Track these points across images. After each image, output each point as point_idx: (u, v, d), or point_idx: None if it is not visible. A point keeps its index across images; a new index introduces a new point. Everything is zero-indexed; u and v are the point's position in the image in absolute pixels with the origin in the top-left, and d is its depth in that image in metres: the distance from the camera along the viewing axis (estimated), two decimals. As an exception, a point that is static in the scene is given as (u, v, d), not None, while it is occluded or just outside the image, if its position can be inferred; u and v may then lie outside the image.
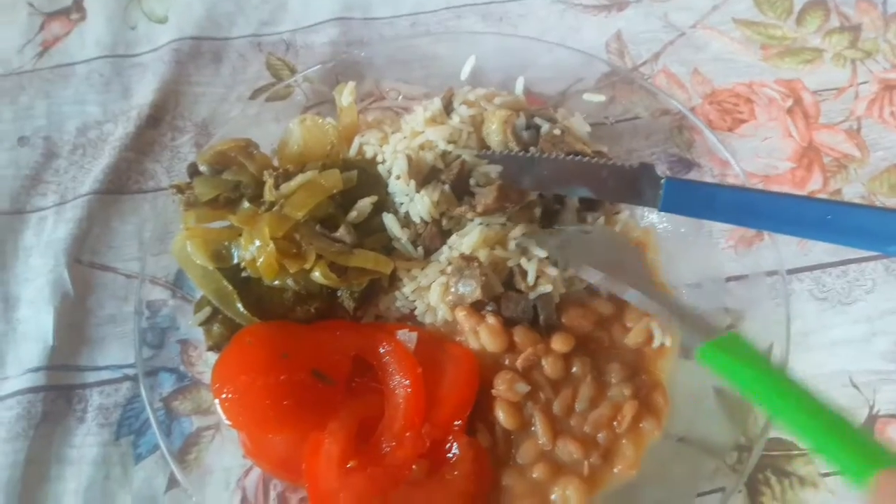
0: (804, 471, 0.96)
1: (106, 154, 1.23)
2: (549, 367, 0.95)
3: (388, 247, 1.04)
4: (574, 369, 0.95)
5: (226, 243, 1.00)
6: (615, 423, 0.92)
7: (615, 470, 0.91)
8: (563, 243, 1.00)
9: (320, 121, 1.08)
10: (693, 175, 1.12)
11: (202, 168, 1.04)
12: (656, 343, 0.98)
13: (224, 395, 0.90)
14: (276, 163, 1.09)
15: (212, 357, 1.00)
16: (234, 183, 1.02)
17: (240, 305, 0.97)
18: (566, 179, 1.00)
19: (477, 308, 0.98)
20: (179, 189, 1.04)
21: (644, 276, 0.98)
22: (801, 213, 0.91)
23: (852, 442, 0.69)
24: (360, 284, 0.99)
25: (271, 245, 0.94)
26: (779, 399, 0.76)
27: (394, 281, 1.03)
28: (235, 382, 0.91)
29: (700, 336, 0.83)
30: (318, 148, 1.07)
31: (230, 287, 0.98)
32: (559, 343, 0.95)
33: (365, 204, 1.02)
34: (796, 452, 0.97)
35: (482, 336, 0.96)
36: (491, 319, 0.96)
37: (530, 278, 0.97)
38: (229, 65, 1.33)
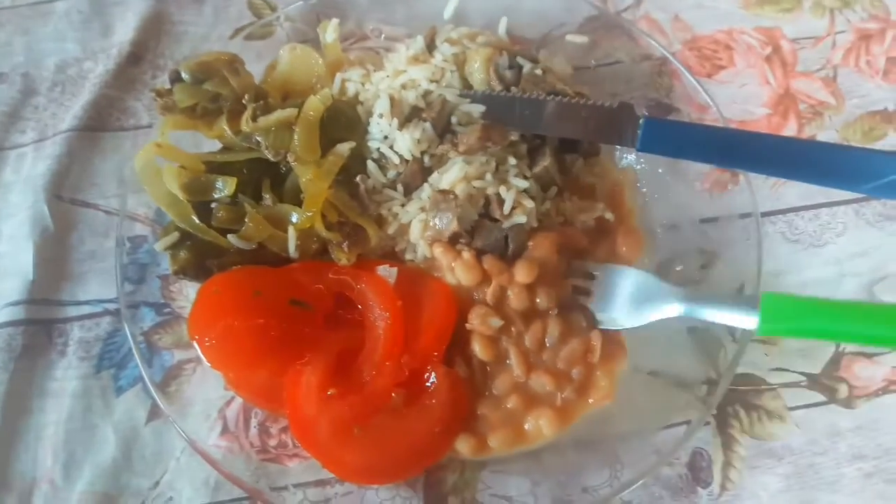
0: (772, 405, 0.99)
1: (86, 91, 1.22)
2: (513, 298, 0.96)
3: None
4: (538, 300, 0.96)
5: (202, 179, 0.99)
6: (588, 355, 0.95)
7: (589, 401, 0.94)
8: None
9: (311, 52, 1.07)
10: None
11: (184, 76, 1.03)
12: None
13: (204, 343, 0.91)
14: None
15: (193, 292, 1.00)
16: (214, 94, 1.01)
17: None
18: (547, 119, 1.01)
19: (453, 242, 0.98)
20: (159, 94, 1.03)
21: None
22: (779, 152, 0.93)
23: None
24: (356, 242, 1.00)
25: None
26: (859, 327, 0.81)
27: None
28: (212, 330, 0.91)
29: (740, 312, 0.86)
30: (305, 79, 1.06)
31: (198, 221, 0.98)
32: (522, 273, 0.95)
33: (344, 148, 1.01)
34: (764, 387, 1.00)
35: (457, 271, 0.97)
36: (465, 254, 0.97)
37: (507, 207, 0.97)
38: (211, 4, 1.32)
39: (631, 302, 0.96)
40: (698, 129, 0.99)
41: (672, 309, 0.93)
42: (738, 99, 1.19)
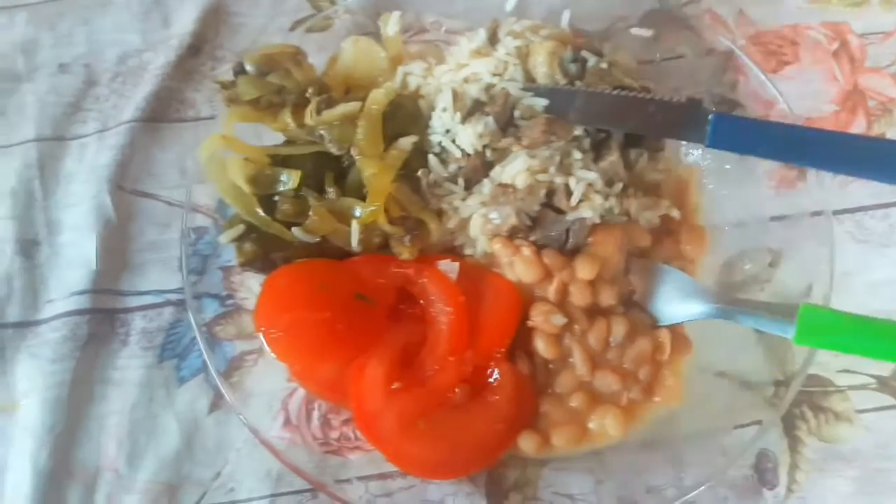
0: (840, 407, 0.98)
1: (146, 82, 1.22)
2: (575, 294, 0.95)
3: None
4: (601, 298, 0.95)
5: (267, 171, 1.00)
6: (656, 354, 0.93)
7: (656, 400, 0.93)
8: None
9: (374, 45, 1.07)
10: (737, 116, 1.11)
11: (248, 68, 1.03)
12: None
13: (270, 334, 0.91)
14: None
15: (255, 283, 1.01)
16: (277, 87, 1.01)
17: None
18: (613, 113, 1.00)
19: (512, 236, 0.98)
20: (223, 86, 1.03)
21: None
22: (849, 149, 0.92)
23: None
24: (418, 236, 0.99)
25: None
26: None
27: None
28: (278, 322, 0.92)
29: (777, 322, 0.86)
30: (367, 72, 1.06)
31: (263, 215, 0.98)
32: (583, 269, 0.94)
33: (406, 143, 1.01)
34: (832, 389, 0.99)
35: (517, 267, 0.96)
36: (526, 250, 0.96)
37: (574, 198, 0.96)
38: (270, -5, 1.32)
39: (664, 301, 0.96)
40: (769, 125, 0.97)
41: (704, 311, 0.92)
42: (805, 96, 1.16)
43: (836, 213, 1.06)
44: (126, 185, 1.16)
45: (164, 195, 1.16)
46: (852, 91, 1.17)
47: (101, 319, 1.07)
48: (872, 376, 0.99)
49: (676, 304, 0.95)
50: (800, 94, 1.16)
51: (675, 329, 0.96)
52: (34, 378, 1.04)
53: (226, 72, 1.12)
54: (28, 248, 1.13)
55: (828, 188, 1.00)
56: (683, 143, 1.06)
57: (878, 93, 1.16)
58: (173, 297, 1.09)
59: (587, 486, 0.92)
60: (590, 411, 0.93)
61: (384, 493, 0.92)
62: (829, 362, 1.00)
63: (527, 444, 0.92)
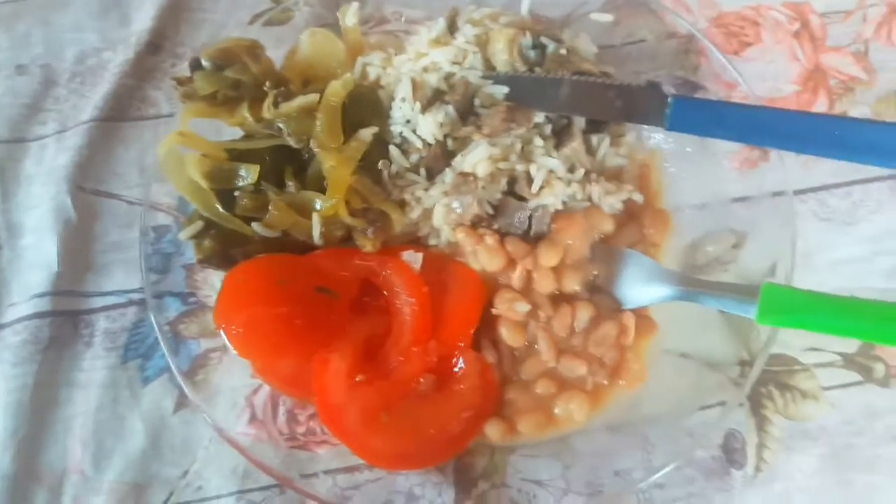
0: (806, 385, 0.98)
1: (106, 81, 1.21)
2: (539, 281, 0.95)
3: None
4: (564, 284, 0.95)
5: (225, 167, 0.99)
6: (621, 338, 0.93)
7: (621, 383, 0.93)
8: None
9: (332, 36, 1.06)
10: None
11: (205, 63, 1.02)
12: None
13: (231, 331, 0.91)
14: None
15: (218, 281, 1.00)
16: (234, 81, 1.01)
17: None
18: (573, 100, 1.00)
19: (475, 225, 0.97)
20: (180, 82, 1.02)
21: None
22: (810, 128, 0.92)
23: None
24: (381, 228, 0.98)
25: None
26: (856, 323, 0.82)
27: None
28: (238, 318, 0.91)
29: (740, 302, 0.86)
30: (326, 64, 1.05)
31: (221, 210, 0.97)
32: (546, 256, 0.95)
33: (366, 134, 1.00)
34: (798, 367, 0.99)
35: (481, 256, 0.96)
36: (489, 239, 0.96)
37: (535, 185, 0.96)
38: (229, -10, 1.31)
39: (628, 285, 0.96)
40: (728, 106, 0.97)
41: (668, 294, 0.93)
42: (767, 76, 1.17)
43: (798, 192, 1.07)
44: (87, 185, 1.15)
45: (126, 195, 1.15)
46: (814, 70, 1.17)
47: (64, 321, 1.06)
48: (838, 353, 1.00)
49: (640, 287, 0.95)
50: (762, 75, 1.17)
51: (639, 312, 0.96)
52: (-5, 383, 1.02)
53: (184, 68, 1.10)
54: (-11, 252, 1.11)
55: (790, 168, 1.00)
56: (644, 127, 1.06)
57: (839, 71, 1.17)
58: (136, 296, 1.08)
59: (555, 472, 0.91)
60: (555, 397, 0.93)
61: (352, 486, 0.92)
62: (794, 341, 1.00)
63: (493, 431, 0.92)
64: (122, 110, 1.20)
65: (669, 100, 0.94)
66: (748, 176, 1.04)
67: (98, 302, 1.08)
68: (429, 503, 0.90)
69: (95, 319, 1.07)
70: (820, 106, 1.14)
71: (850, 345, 1.00)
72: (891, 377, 0.98)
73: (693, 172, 1.05)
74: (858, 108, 1.14)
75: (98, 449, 1.00)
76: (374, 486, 0.92)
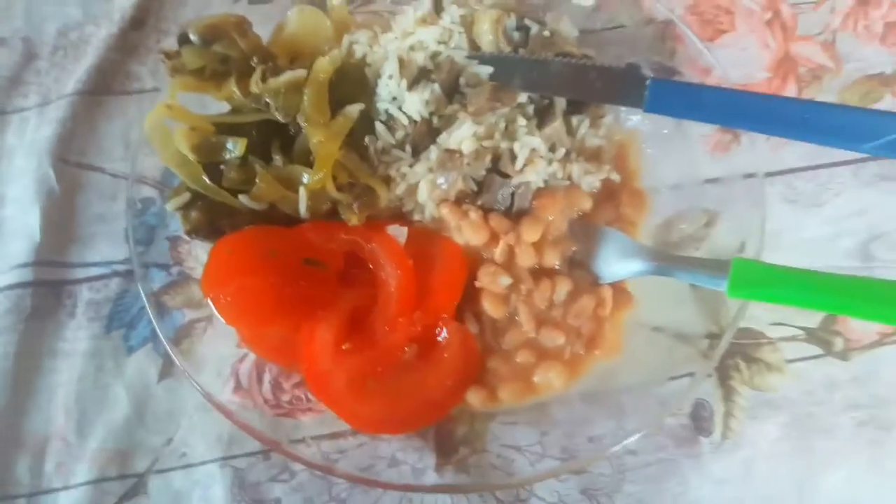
0: (771, 358, 1.03)
1: (89, 55, 1.21)
2: (520, 256, 0.98)
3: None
4: (545, 259, 0.98)
5: (213, 140, 0.99)
6: (598, 310, 0.97)
7: (597, 353, 0.96)
8: None
9: (319, 13, 1.07)
10: (674, 83, 1.15)
11: (192, 38, 1.02)
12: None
13: (219, 300, 0.92)
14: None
15: (202, 253, 1.01)
16: (222, 56, 1.01)
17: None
18: (555, 80, 1.02)
19: (460, 201, 1.00)
20: (168, 55, 1.03)
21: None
22: (782, 112, 0.96)
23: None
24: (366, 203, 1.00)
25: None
26: (821, 296, 0.85)
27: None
28: (227, 288, 0.92)
29: (712, 276, 0.90)
30: (313, 41, 1.06)
31: (209, 183, 0.98)
32: (528, 231, 0.97)
33: (353, 110, 1.01)
34: (764, 341, 1.04)
35: (465, 231, 0.98)
36: (473, 214, 0.98)
37: (519, 163, 0.98)
38: (215, -34, 1.31)
39: (604, 261, 0.99)
40: (704, 90, 1.00)
41: (643, 268, 0.96)
42: (739, 63, 1.20)
43: (767, 175, 1.10)
44: (70, 158, 1.15)
45: (110, 167, 1.15)
46: (784, 58, 1.21)
47: (47, 291, 1.07)
48: (801, 328, 1.05)
49: (617, 262, 0.99)
50: (735, 62, 1.20)
51: (618, 286, 0.99)
52: (-24, 352, 1.03)
53: (170, 43, 1.11)
54: (-30, 224, 1.11)
55: (760, 152, 1.04)
56: (623, 108, 1.09)
57: (808, 60, 1.21)
58: (120, 268, 1.09)
59: (533, 438, 0.95)
60: (535, 366, 0.96)
61: (336, 451, 0.94)
62: (761, 316, 1.04)
63: (475, 398, 0.95)
64: (105, 84, 1.20)
65: (648, 82, 0.97)
66: (721, 159, 1.07)
67: (81, 273, 1.09)
68: (410, 468, 0.93)
69: (78, 290, 1.08)
70: (789, 93, 1.18)
71: (813, 320, 1.05)
72: (849, 350, 1.03)
73: (669, 154, 1.08)
74: (825, 96, 1.18)
75: (81, 417, 1.01)
76: (358, 451, 0.94)
